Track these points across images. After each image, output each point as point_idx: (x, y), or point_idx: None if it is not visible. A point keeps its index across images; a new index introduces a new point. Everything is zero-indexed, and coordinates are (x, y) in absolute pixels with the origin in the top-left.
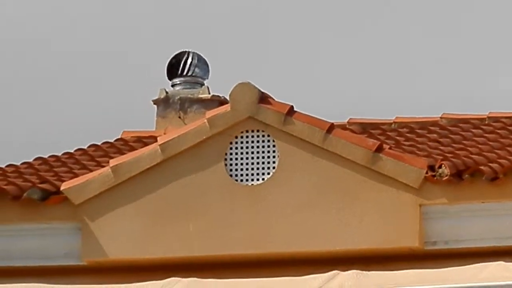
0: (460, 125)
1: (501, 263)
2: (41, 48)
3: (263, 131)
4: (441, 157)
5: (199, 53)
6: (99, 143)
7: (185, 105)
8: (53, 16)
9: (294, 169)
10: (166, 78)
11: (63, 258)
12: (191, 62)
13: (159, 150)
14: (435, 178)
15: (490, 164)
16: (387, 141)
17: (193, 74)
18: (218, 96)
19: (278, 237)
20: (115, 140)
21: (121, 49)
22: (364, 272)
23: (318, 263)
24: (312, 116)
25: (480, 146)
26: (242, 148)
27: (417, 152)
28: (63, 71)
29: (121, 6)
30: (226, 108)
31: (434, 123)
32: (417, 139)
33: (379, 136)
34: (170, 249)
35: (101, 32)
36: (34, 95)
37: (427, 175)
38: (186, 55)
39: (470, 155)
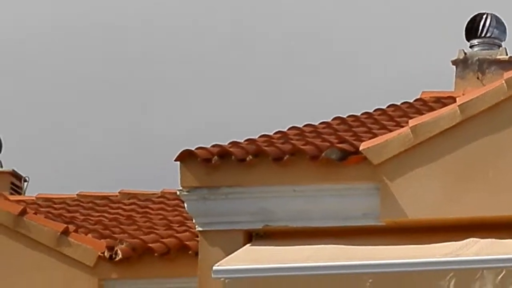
0: None
1: None
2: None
3: None
4: None
5: (497, 15)
6: (398, 103)
7: (483, 66)
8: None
9: None
10: (465, 39)
11: (361, 219)
12: (489, 24)
13: (458, 110)
14: None
15: None
16: None
17: (491, 36)
18: None
19: None
20: (414, 101)
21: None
22: None
23: None
24: None
25: None
26: None
27: None
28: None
29: None
30: None
31: None
32: None
33: None
34: (469, 209)
35: None
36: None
37: None
38: (484, 17)
39: None
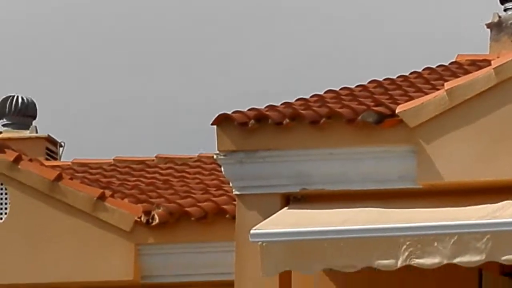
0: None
1: None
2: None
3: None
4: None
5: None
6: (434, 66)
7: None
8: None
9: None
10: (499, 2)
11: (397, 181)
12: None
13: (493, 73)
14: None
15: None
16: None
17: None
18: None
19: None
20: (450, 64)
21: None
22: None
23: None
24: None
25: None
26: None
27: None
28: None
29: None
30: None
31: None
32: None
33: None
34: (505, 172)
35: None
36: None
37: None
38: None
39: None
